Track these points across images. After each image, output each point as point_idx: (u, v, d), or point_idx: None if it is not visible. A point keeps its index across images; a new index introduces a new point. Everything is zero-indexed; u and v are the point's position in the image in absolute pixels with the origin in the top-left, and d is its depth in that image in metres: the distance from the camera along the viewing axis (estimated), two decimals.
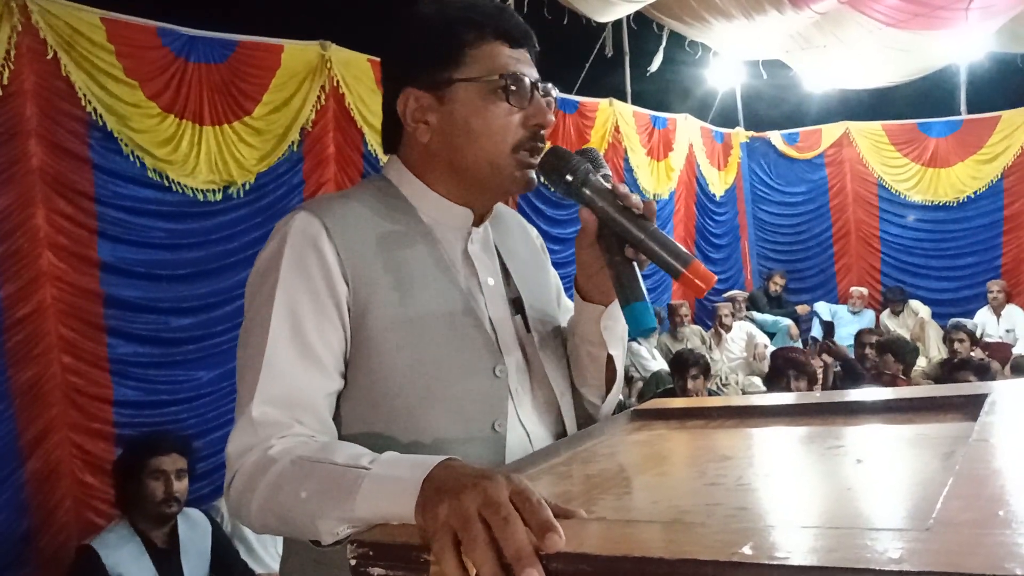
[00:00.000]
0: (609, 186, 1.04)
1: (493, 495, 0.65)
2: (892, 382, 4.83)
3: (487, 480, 0.67)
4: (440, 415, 1.01)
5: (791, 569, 0.54)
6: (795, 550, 0.57)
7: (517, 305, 1.16)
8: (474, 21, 1.06)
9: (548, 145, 1.10)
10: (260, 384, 0.96)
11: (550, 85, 1.10)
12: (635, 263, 1.02)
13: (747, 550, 0.56)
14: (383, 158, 1.19)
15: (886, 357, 5.21)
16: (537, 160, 1.08)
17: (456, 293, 1.07)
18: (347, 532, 0.79)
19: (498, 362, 1.07)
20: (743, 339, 7.11)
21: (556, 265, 1.36)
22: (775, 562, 0.54)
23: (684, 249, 0.98)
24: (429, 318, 1.03)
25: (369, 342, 1.01)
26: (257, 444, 0.93)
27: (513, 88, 1.05)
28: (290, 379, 0.97)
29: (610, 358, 1.17)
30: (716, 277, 1.02)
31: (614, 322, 1.14)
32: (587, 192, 1.02)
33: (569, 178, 1.02)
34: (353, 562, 0.66)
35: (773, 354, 5.54)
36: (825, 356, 5.25)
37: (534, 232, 1.32)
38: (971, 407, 1.00)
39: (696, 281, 0.95)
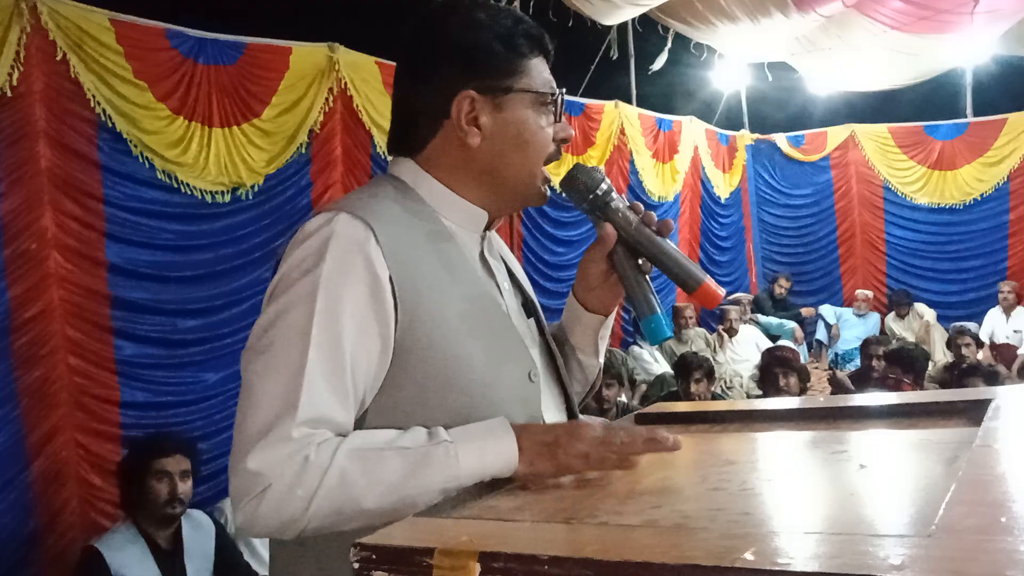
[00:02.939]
0: (628, 203, 1.11)
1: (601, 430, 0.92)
2: (897, 386, 4.80)
3: (582, 426, 0.94)
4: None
5: (793, 575, 0.54)
6: (797, 556, 0.57)
7: (528, 309, 1.18)
8: (530, 34, 1.09)
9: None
10: (302, 402, 0.92)
11: None
12: (646, 276, 1.10)
13: (749, 556, 0.56)
14: (392, 160, 1.18)
15: (895, 369, 5.10)
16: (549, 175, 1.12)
17: (487, 298, 1.08)
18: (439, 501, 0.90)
19: (531, 366, 1.08)
20: (749, 342, 7.09)
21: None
22: (777, 568, 0.55)
23: (697, 266, 1.08)
24: (469, 325, 1.03)
25: (415, 350, 0.99)
26: (293, 453, 0.91)
27: (557, 103, 1.10)
28: (326, 397, 0.94)
29: (599, 367, 1.24)
30: (724, 293, 1.13)
31: (607, 332, 1.23)
32: (611, 208, 1.09)
33: (599, 192, 1.09)
34: (356, 565, 0.66)
35: (763, 353, 5.56)
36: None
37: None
38: (975, 412, 1.00)
39: (707, 297, 1.06)
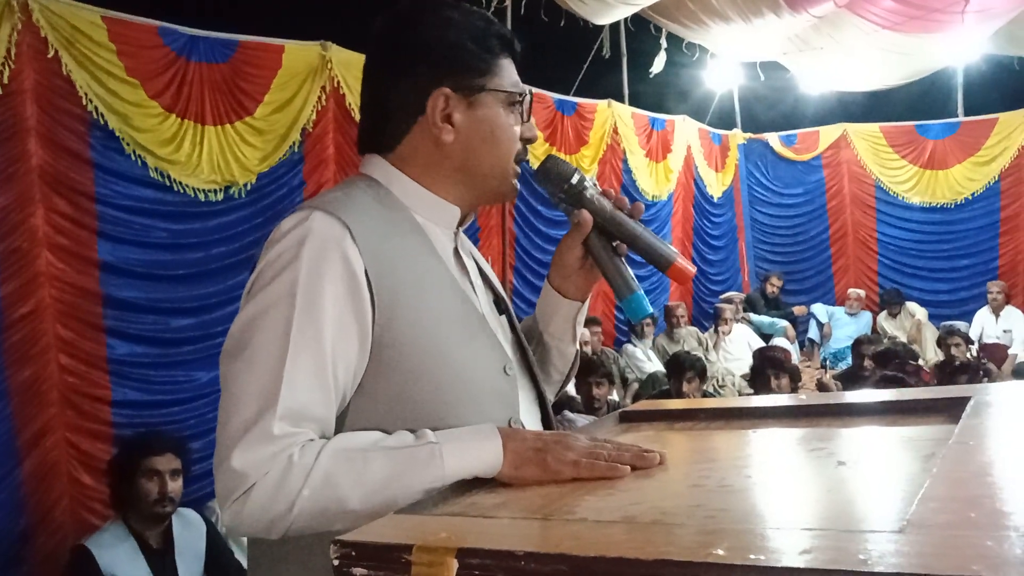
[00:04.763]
0: (600, 189, 1.15)
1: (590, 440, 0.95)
2: (916, 373, 4.78)
3: (570, 436, 0.95)
4: (465, 415, 1.02)
5: (763, 570, 0.55)
6: (768, 551, 0.58)
7: (499, 305, 1.20)
8: (501, 35, 1.12)
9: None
10: (281, 398, 0.93)
11: None
12: (622, 258, 1.14)
13: (720, 551, 0.57)
14: (363, 159, 1.18)
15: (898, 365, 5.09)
16: (520, 171, 1.15)
17: (460, 294, 1.09)
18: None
19: (507, 361, 1.10)
20: (741, 341, 7.11)
21: None
22: (748, 563, 0.56)
23: (669, 246, 1.14)
24: (446, 320, 1.04)
25: (394, 346, 0.99)
26: (278, 453, 0.92)
27: (524, 104, 1.13)
28: (308, 394, 0.95)
29: (576, 353, 1.27)
30: (695, 268, 1.20)
31: (583, 317, 1.27)
32: (586, 195, 1.12)
33: (573, 181, 1.12)
34: (336, 562, 0.67)
35: (754, 353, 5.58)
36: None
37: None
38: (954, 410, 1.01)
39: (680, 273, 1.11)
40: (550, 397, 1.27)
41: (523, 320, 1.30)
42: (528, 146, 1.15)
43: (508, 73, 1.12)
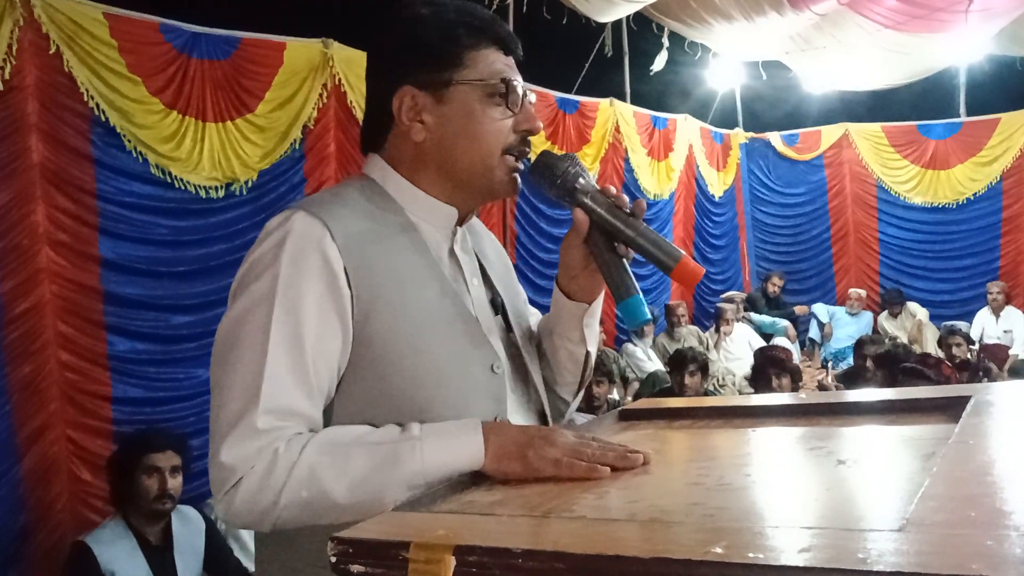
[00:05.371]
0: (598, 187, 1.08)
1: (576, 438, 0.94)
2: (937, 366, 4.77)
3: (556, 432, 0.95)
4: (447, 412, 1.02)
5: (762, 568, 0.55)
6: (767, 550, 0.58)
7: (496, 306, 1.18)
8: (473, 26, 1.09)
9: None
10: (263, 393, 0.95)
11: (531, 94, 1.14)
12: (624, 259, 1.08)
13: (719, 549, 0.57)
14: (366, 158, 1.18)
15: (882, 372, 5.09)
16: (522, 165, 1.12)
17: (450, 292, 1.08)
18: (407, 496, 0.92)
19: (495, 359, 1.09)
20: (742, 340, 7.11)
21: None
22: (747, 561, 0.55)
23: (674, 245, 1.05)
24: (429, 317, 1.04)
25: (374, 342, 1.00)
26: (264, 447, 0.94)
27: (509, 94, 1.08)
28: (290, 389, 0.97)
29: (587, 355, 1.23)
30: (704, 270, 1.08)
31: (593, 320, 1.21)
32: (579, 192, 1.07)
33: (559, 180, 1.07)
34: (333, 559, 0.67)
35: (756, 353, 5.57)
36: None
37: (500, 246, 1.35)
38: (955, 409, 1.01)
39: (686, 275, 1.02)
40: (567, 398, 1.26)
41: (542, 318, 1.28)
42: (529, 139, 1.11)
43: (487, 64, 1.08)
